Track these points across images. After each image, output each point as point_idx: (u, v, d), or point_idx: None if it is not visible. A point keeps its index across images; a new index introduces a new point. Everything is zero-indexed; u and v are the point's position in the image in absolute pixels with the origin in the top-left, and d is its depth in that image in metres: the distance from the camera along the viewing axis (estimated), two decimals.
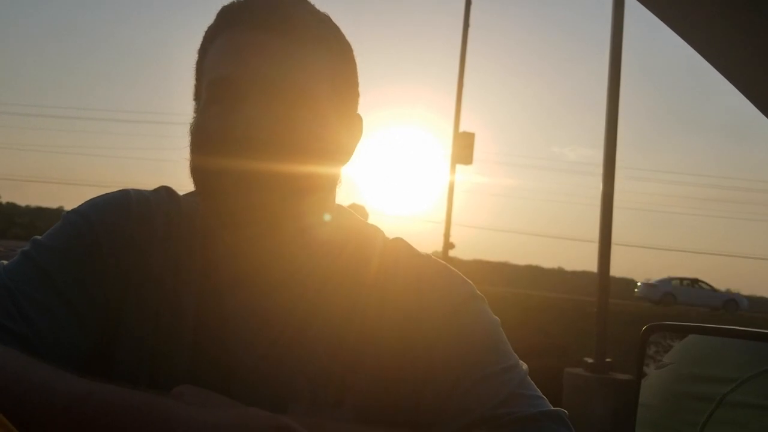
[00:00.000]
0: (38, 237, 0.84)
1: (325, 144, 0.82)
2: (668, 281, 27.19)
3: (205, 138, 0.80)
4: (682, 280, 27.36)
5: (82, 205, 0.88)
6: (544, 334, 10.53)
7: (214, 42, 0.82)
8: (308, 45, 0.81)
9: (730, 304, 25.53)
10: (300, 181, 0.80)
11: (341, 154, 0.87)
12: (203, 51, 0.84)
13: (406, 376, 0.83)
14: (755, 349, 1.30)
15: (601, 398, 6.49)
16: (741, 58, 0.83)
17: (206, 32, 0.84)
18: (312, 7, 0.85)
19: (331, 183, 0.87)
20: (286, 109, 0.78)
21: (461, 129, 12.29)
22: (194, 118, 0.84)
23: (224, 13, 0.83)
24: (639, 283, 25.54)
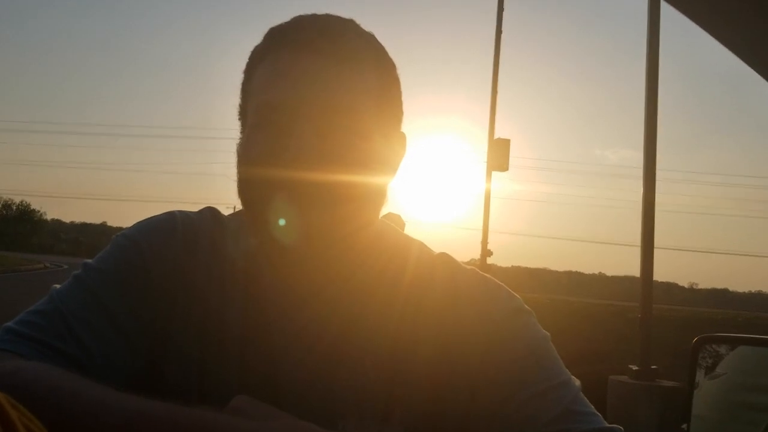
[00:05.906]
0: (89, 261, 0.87)
1: (369, 160, 0.81)
2: None
3: (253, 161, 0.80)
4: None
5: (130, 228, 0.90)
6: (585, 341, 10.36)
7: (261, 63, 0.82)
8: (356, 66, 0.80)
9: None
10: (342, 190, 0.79)
11: (384, 171, 0.85)
12: (250, 71, 0.84)
13: (450, 390, 0.82)
14: None
15: (647, 406, 6.35)
16: None
17: (253, 52, 0.84)
18: (358, 28, 0.85)
19: (375, 196, 0.85)
20: (335, 131, 0.78)
21: (496, 136, 12.19)
22: (241, 139, 0.85)
23: (272, 35, 0.83)
24: None
